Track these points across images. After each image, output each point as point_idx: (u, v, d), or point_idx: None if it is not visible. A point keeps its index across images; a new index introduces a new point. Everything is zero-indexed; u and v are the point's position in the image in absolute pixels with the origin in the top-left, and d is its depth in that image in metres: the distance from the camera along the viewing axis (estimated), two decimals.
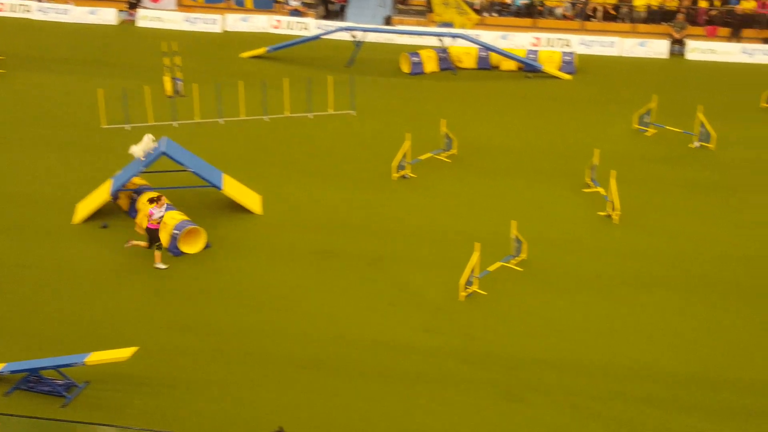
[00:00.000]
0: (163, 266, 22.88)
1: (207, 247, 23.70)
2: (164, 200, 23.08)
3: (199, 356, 19.38)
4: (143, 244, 23.11)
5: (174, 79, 35.29)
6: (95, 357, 17.92)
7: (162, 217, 22.91)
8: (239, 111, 32.88)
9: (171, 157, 25.03)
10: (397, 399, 18.08)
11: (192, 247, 23.61)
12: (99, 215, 25.09)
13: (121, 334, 20.02)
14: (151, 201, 22.86)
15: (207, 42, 43.61)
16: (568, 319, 20.86)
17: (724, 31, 44.08)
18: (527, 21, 45.52)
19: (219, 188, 25.24)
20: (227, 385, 18.47)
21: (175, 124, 32.02)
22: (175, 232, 23.35)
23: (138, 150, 25.02)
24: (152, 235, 22.88)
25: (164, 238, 23.42)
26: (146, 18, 46.53)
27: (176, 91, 35.14)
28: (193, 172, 25.11)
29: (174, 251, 23.36)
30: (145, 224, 23.05)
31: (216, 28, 45.77)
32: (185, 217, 23.91)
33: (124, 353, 17.98)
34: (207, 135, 31.40)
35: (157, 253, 22.91)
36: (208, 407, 17.78)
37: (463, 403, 17.99)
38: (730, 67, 41.11)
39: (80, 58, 40.68)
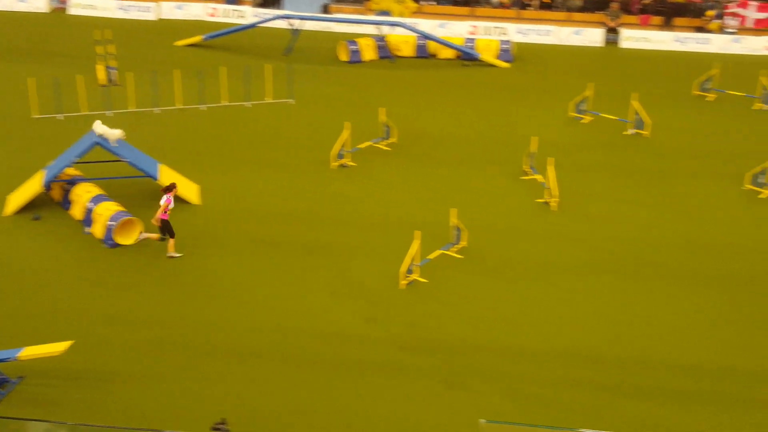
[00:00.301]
0: (176, 255, 22.63)
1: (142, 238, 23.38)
2: (176, 189, 22.86)
3: (137, 348, 19.08)
4: (155, 236, 22.84)
5: (107, 67, 34.81)
6: (29, 352, 17.53)
7: (168, 204, 22.47)
8: (175, 100, 32.50)
9: (105, 147, 24.64)
10: (340, 388, 17.98)
11: (127, 238, 23.26)
12: (31, 207, 24.61)
13: (56, 327, 19.63)
14: (166, 190, 22.51)
15: (141, 30, 43.08)
16: (509, 306, 20.93)
17: (657, 19, 44.65)
18: (464, 10, 45.65)
19: (155, 178, 24.90)
20: (167, 377, 18.22)
21: (109, 113, 31.54)
22: (111, 223, 22.98)
23: (99, 127, 24.70)
24: (166, 225, 22.56)
25: (99, 229, 23.08)
26: (78, 6, 45.82)
27: (110, 80, 34.67)
28: (129, 163, 24.74)
29: (109, 243, 23.00)
30: (158, 215, 22.54)
31: (150, 16, 45.24)
32: (121, 208, 23.55)
33: (59, 347, 17.63)
34: (142, 124, 30.98)
35: (171, 242, 22.63)
36: (147, 400, 17.52)
37: (405, 390, 17.95)
38: (663, 55, 41.61)
39: (10, 47, 39.94)
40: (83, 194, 24.21)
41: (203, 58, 38.22)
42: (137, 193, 25.29)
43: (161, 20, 45.11)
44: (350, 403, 17.57)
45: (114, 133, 24.79)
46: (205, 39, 40.60)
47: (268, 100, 33.39)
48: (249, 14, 44.78)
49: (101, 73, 34.57)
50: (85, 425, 16.52)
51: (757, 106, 34.16)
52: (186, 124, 31.37)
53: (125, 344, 19.21)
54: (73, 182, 24.87)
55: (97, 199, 23.81)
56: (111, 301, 20.84)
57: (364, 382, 18.21)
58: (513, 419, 17.01)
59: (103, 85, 33.95)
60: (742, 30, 43.50)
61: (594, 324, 20.30)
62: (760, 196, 26.53)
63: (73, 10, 45.74)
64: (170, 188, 22.58)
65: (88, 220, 23.67)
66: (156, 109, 32.16)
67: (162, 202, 22.40)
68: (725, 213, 25.60)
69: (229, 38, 40.84)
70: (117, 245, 22.99)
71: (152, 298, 20.97)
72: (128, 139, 26.40)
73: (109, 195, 24.32)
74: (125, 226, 23.20)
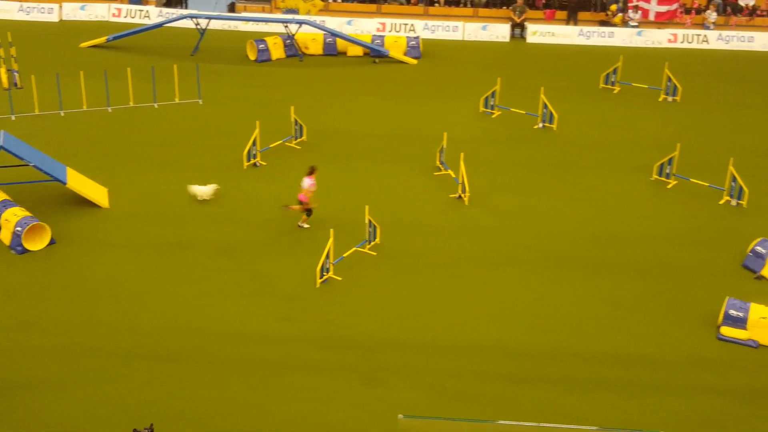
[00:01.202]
0: (306, 225, 24.05)
1: (51, 243, 22.94)
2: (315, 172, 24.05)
3: (49, 355, 18.73)
4: (297, 207, 24.15)
5: (10, 70, 34.06)
6: None
7: (311, 187, 23.78)
8: (81, 102, 31.94)
9: (10, 152, 24.07)
10: (258, 388, 17.89)
11: (36, 243, 22.80)
12: None
13: None
14: (310, 173, 23.85)
15: (43, 32, 42.25)
16: (423, 301, 21.05)
17: (562, 14, 45.24)
18: (372, 7, 45.71)
19: (63, 182, 24.45)
20: (83, 382, 17.91)
21: (12, 117, 30.88)
22: (18, 229, 22.51)
23: (195, 189, 25.65)
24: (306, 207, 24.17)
25: (6, 235, 22.60)
26: None
27: (13, 83, 33.93)
28: (35, 167, 24.23)
29: (17, 249, 22.52)
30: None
31: (53, 18, 44.38)
32: (28, 214, 23.08)
33: None
34: (48, 128, 30.40)
35: (304, 216, 24.10)
36: (64, 407, 17.20)
37: (323, 389, 17.94)
38: (568, 50, 42.22)
39: None
40: None
41: (108, 60, 37.62)
42: (45, 197, 24.82)
43: (64, 21, 44.29)
44: (268, 403, 17.50)
45: (206, 191, 25.66)
46: (110, 40, 39.97)
47: (176, 100, 33.03)
48: (154, 14, 44.21)
49: (3, 77, 33.81)
50: None
51: (662, 97, 34.89)
52: (93, 126, 30.86)
53: (38, 351, 18.85)
54: None
55: (3, 205, 23.30)
56: (19, 307, 20.43)
57: (282, 381, 18.14)
58: (431, 413, 17.12)
59: (6, 89, 33.19)
60: (645, 23, 44.39)
61: (507, 316, 20.53)
62: (668, 186, 27.10)
63: None
64: (312, 171, 23.62)
65: None
66: (61, 112, 31.57)
67: (306, 185, 23.27)
68: (633, 204, 26.10)
69: (134, 39, 40.28)
70: (26, 251, 22.53)
71: (63, 304, 20.60)
72: (34, 143, 25.93)
73: (16, 200, 23.82)
74: (33, 231, 22.73)
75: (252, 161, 27.76)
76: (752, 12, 45.13)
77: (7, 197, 23.87)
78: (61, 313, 20.28)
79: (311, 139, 29.73)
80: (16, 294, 20.99)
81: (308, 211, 24.02)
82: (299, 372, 18.47)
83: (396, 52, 39.76)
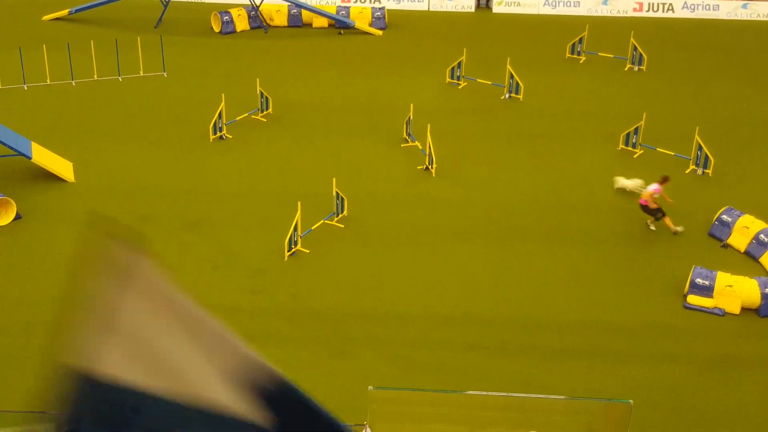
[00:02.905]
0: (679, 229, 23.11)
1: (17, 218, 22.73)
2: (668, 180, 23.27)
3: (13, 330, 18.59)
4: (650, 219, 23.39)
5: None
6: None
7: (654, 192, 23.04)
8: (45, 76, 31.56)
9: None
10: None
11: (1, 218, 22.60)
12: None
13: None
14: (662, 181, 23.08)
15: (5, 5, 41.64)
16: (391, 273, 21.07)
17: None
18: None
19: (28, 157, 24.20)
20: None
21: None
22: None
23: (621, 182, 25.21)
24: (647, 209, 23.13)
25: None
26: None
27: None
28: None
29: None
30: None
31: None
32: None
33: None
34: (11, 102, 30.05)
35: (667, 219, 23.04)
36: (28, 382, 17.06)
37: (292, 361, 17.89)
38: (534, 19, 42.16)
39: None
40: None
41: (71, 33, 37.16)
42: (10, 172, 24.57)
43: None
44: None
45: (631, 184, 25.08)
46: (72, 12, 39.48)
47: (141, 73, 32.72)
48: None
49: None
50: None
51: (628, 67, 34.97)
52: (57, 100, 30.54)
53: (3, 326, 18.71)
54: None
55: None
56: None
57: None
58: (400, 384, 17.20)
59: None
60: None
61: (475, 287, 20.61)
62: (634, 156, 27.23)
63: None
64: (664, 180, 23.12)
65: None
66: (24, 86, 31.21)
67: (650, 189, 23.00)
68: (600, 173, 26.17)
69: (97, 11, 39.81)
70: None
71: (29, 278, 20.49)
72: None
73: None
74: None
75: (218, 134, 27.60)
76: None
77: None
78: (27, 287, 20.13)
79: (277, 111, 29.58)
80: None
81: (656, 214, 23.17)
82: (268, 345, 18.39)
83: (361, 23, 39.57)
